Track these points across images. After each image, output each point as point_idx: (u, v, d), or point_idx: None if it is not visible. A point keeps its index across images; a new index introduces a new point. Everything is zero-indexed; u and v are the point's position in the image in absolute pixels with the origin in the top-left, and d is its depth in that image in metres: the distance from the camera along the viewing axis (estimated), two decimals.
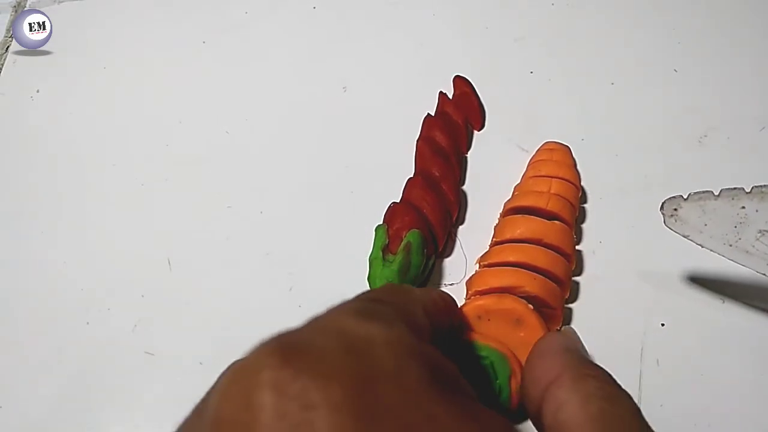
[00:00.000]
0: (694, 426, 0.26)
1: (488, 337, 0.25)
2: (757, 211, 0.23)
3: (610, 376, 0.19)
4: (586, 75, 0.37)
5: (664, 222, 0.25)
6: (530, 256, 0.27)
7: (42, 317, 0.32)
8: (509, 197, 0.31)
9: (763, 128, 0.33)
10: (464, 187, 0.33)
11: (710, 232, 0.24)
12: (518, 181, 0.32)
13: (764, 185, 0.23)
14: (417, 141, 0.34)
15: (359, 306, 0.18)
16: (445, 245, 0.31)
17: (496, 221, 0.31)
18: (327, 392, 0.13)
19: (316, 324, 0.17)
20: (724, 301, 0.28)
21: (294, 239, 0.33)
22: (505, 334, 0.25)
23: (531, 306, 0.25)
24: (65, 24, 0.44)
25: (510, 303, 0.25)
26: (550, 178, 0.30)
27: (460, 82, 0.37)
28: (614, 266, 0.30)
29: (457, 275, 0.31)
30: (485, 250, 0.29)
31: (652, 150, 0.33)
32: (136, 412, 0.29)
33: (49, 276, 0.34)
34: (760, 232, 0.23)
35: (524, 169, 0.32)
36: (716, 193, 0.24)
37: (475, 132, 0.36)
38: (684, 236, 0.25)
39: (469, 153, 0.35)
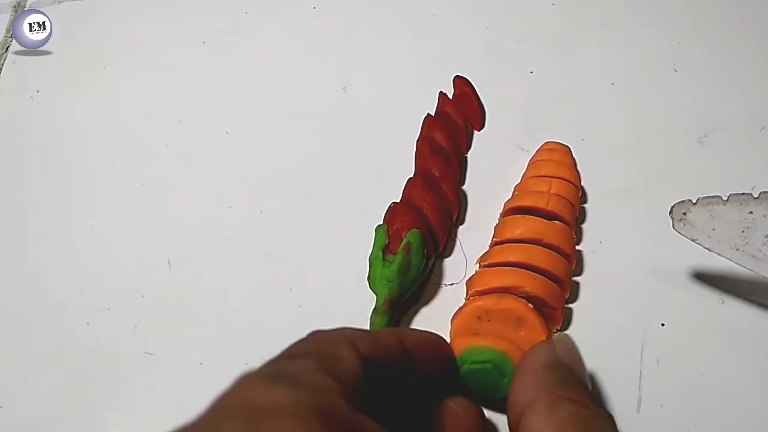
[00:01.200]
0: (694, 426, 0.26)
1: (485, 336, 0.25)
2: (764, 216, 0.23)
3: (589, 396, 0.19)
4: (587, 75, 0.37)
5: (673, 226, 0.25)
6: (530, 256, 0.27)
7: (42, 317, 0.32)
8: (509, 197, 0.31)
9: (764, 128, 0.33)
10: (464, 187, 0.34)
11: (718, 236, 0.24)
12: (518, 181, 0.32)
13: None
14: (417, 141, 0.34)
15: (270, 369, 0.17)
16: (445, 245, 0.31)
17: (496, 221, 0.31)
18: None
19: (219, 404, 0.16)
20: (724, 301, 0.28)
21: (294, 239, 0.33)
22: (506, 334, 0.25)
23: (531, 305, 0.25)
24: (65, 24, 0.44)
25: (509, 303, 0.25)
26: (550, 178, 0.30)
27: (460, 82, 0.37)
28: (614, 266, 0.30)
29: (457, 275, 0.31)
30: (485, 250, 0.29)
31: (652, 150, 0.33)
32: (136, 412, 0.29)
33: (49, 276, 0.34)
34: (767, 236, 0.23)
35: (524, 169, 0.32)
36: (725, 198, 0.24)
37: (475, 132, 0.36)
38: (692, 240, 0.25)
39: (469, 153, 0.35)
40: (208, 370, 0.29)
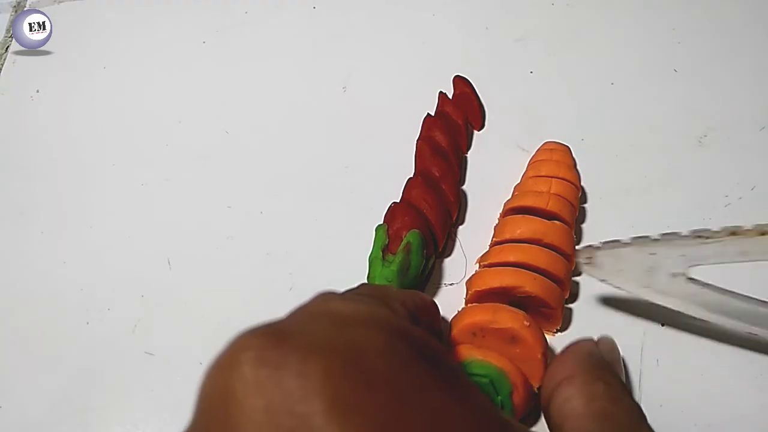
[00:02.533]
0: (693, 426, 0.26)
1: (487, 351, 0.25)
2: (666, 256, 0.24)
3: (622, 384, 0.20)
4: (586, 75, 0.37)
5: (581, 269, 0.26)
6: (530, 256, 0.27)
7: (42, 317, 0.32)
8: (509, 197, 0.31)
9: (763, 128, 0.33)
10: (464, 187, 0.34)
11: (626, 276, 0.25)
12: (518, 181, 0.32)
13: (672, 232, 0.24)
14: (417, 141, 0.34)
15: (341, 294, 0.18)
16: (445, 245, 0.31)
17: (496, 221, 0.31)
18: (321, 364, 0.13)
19: (301, 309, 0.17)
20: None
21: (294, 239, 0.33)
22: (502, 350, 0.25)
23: (527, 322, 0.25)
24: (65, 24, 0.44)
25: (505, 321, 0.25)
26: (550, 178, 0.30)
27: (460, 81, 0.37)
28: None
29: (456, 275, 0.31)
30: (485, 250, 0.29)
31: (652, 150, 0.33)
32: (136, 412, 0.29)
33: (49, 276, 0.34)
34: (671, 275, 0.24)
35: (524, 169, 0.32)
36: (626, 241, 0.25)
37: (475, 132, 0.36)
38: (602, 280, 0.26)
39: (469, 153, 0.35)
40: None
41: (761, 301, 0.24)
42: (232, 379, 0.14)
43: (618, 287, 0.26)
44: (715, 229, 0.23)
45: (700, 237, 0.23)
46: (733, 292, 0.24)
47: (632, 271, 0.25)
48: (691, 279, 0.24)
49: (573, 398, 0.19)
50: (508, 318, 0.25)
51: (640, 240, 0.24)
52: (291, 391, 0.13)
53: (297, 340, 0.14)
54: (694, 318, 0.25)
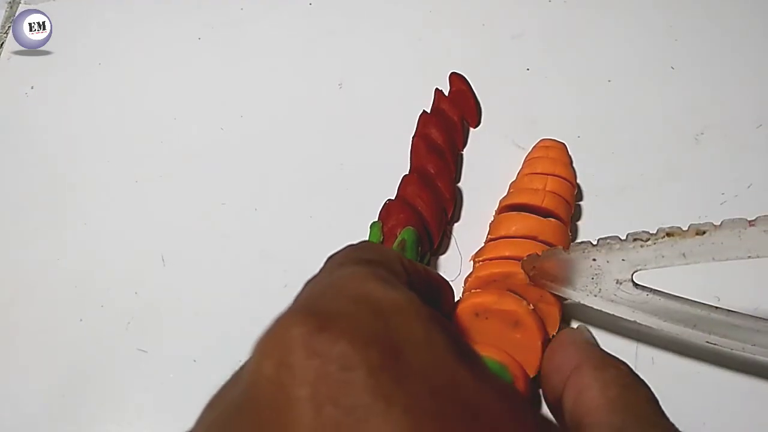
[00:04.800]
0: (689, 425, 0.25)
1: (485, 345, 0.25)
2: (608, 262, 0.23)
3: (629, 367, 0.20)
4: (583, 72, 0.37)
5: (529, 280, 0.26)
6: (525, 251, 0.27)
7: (35, 314, 0.32)
8: (505, 194, 0.31)
9: (760, 126, 0.33)
10: (460, 184, 0.33)
11: (573, 284, 0.25)
12: (514, 179, 0.32)
13: (610, 236, 0.23)
14: (412, 138, 0.34)
15: (370, 271, 0.18)
16: (441, 242, 0.31)
17: (492, 218, 0.30)
18: (364, 355, 0.14)
19: (338, 290, 0.17)
20: (719, 299, 0.28)
21: (289, 236, 0.33)
22: (502, 335, 0.25)
23: (531, 307, 0.25)
24: (60, 21, 0.44)
25: (510, 304, 0.25)
26: (545, 176, 0.30)
27: (456, 79, 0.36)
28: None
29: (452, 272, 0.30)
30: (480, 247, 0.29)
31: (649, 147, 0.33)
32: (129, 410, 0.29)
33: (43, 273, 0.33)
34: (616, 281, 0.24)
35: (520, 167, 0.32)
36: (566, 250, 0.24)
37: (471, 129, 0.35)
38: (552, 292, 0.26)
39: (464, 150, 0.35)
40: (202, 367, 0.29)
41: (713, 306, 0.23)
42: (279, 368, 0.14)
43: (568, 298, 0.25)
44: (652, 231, 0.22)
45: (637, 240, 0.22)
46: (684, 298, 0.24)
47: (579, 279, 0.24)
48: (638, 285, 0.23)
49: (588, 388, 0.19)
50: (513, 301, 0.25)
51: (580, 246, 0.24)
52: (337, 382, 0.13)
53: (342, 328, 0.14)
54: (649, 327, 0.25)
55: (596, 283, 0.24)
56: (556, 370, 0.21)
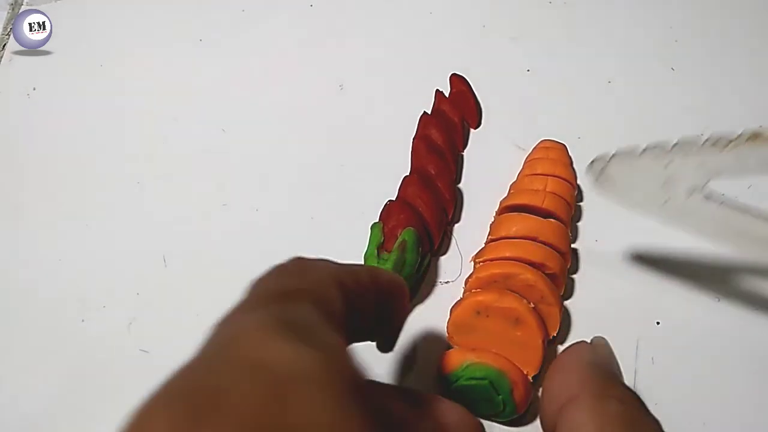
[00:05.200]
0: (688, 424, 0.26)
1: (483, 352, 0.25)
2: (683, 165, 0.21)
3: (637, 398, 0.18)
4: (583, 73, 0.37)
5: (593, 185, 0.24)
6: (526, 252, 0.27)
7: (36, 315, 0.32)
8: (505, 195, 0.31)
9: (760, 127, 0.33)
10: (460, 185, 0.33)
11: (640, 192, 0.23)
12: (514, 179, 0.32)
13: (690, 137, 0.21)
14: (413, 139, 0.34)
15: (273, 313, 0.15)
16: (441, 243, 0.31)
17: (492, 219, 0.30)
18: None
19: (231, 352, 0.14)
20: (719, 300, 0.28)
21: (289, 237, 0.33)
22: (503, 333, 0.25)
23: (532, 305, 0.25)
24: (61, 22, 0.44)
25: (510, 302, 0.25)
26: (546, 177, 0.30)
27: (456, 80, 0.36)
28: (610, 264, 0.30)
29: (452, 273, 0.30)
30: (481, 248, 0.29)
31: None
32: (131, 410, 0.29)
33: (44, 273, 0.33)
34: (689, 189, 0.21)
35: (520, 167, 0.32)
36: (639, 152, 0.22)
37: (472, 130, 0.35)
38: (616, 202, 0.24)
39: (465, 151, 0.35)
40: None
41: None
42: None
43: (632, 209, 0.23)
44: (735, 134, 0.19)
45: (718, 143, 0.20)
46: (756, 210, 0.21)
47: (647, 186, 0.22)
48: (708, 196, 0.21)
49: (582, 425, 0.16)
50: (513, 299, 0.25)
51: (654, 150, 0.21)
52: None
53: (222, 417, 0.12)
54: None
55: (666, 192, 0.22)
56: (552, 399, 0.19)
